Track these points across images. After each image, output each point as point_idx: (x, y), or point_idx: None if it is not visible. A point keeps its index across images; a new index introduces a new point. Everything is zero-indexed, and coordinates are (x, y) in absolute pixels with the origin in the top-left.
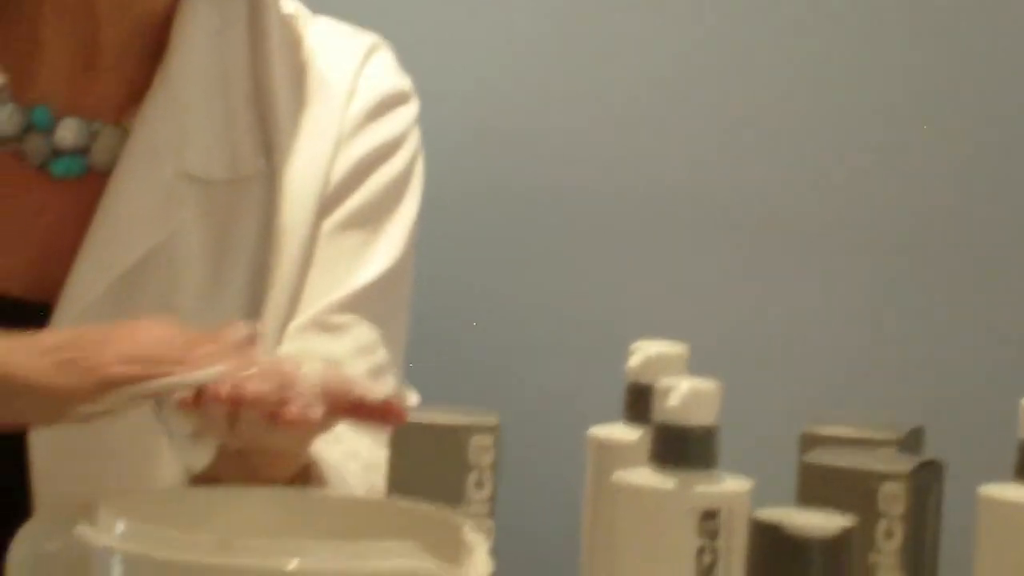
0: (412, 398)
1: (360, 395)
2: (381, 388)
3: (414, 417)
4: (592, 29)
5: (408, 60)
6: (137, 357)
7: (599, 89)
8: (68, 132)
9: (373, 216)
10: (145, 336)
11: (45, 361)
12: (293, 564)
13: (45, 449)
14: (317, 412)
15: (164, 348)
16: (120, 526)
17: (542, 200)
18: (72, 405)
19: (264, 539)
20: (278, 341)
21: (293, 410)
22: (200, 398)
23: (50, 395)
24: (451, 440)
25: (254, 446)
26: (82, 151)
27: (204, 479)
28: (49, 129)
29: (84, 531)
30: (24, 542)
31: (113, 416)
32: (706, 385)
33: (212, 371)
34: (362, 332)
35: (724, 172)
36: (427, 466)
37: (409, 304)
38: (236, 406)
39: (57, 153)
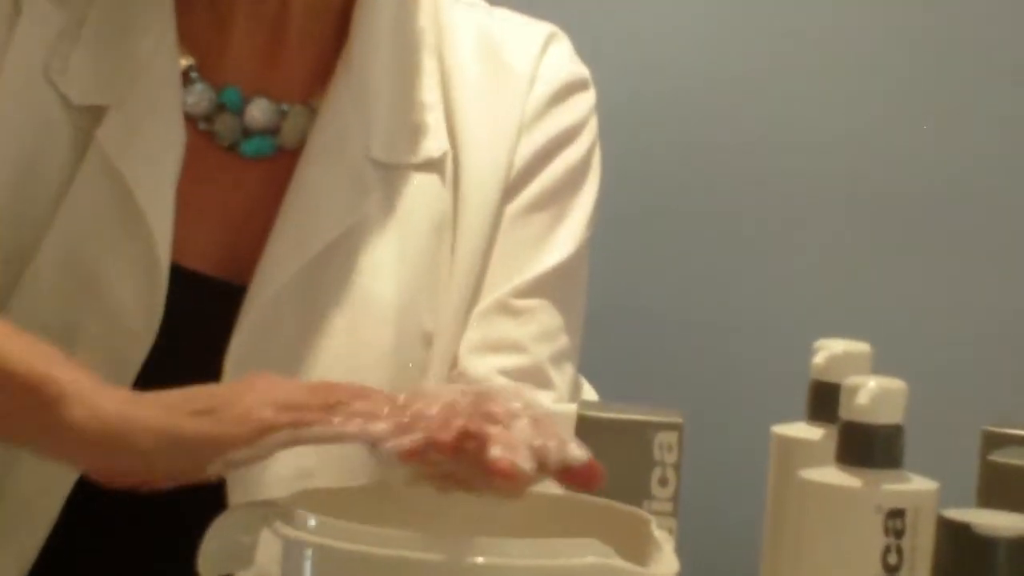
0: (587, 389)
1: (562, 458)
2: (581, 451)
3: (600, 413)
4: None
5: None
6: (285, 404)
7: (781, 88)
8: (258, 112)
9: (555, 201)
10: (286, 385)
11: (185, 414)
12: (482, 560)
13: None
14: (528, 466)
15: (307, 395)
16: (312, 520)
17: (725, 199)
18: (225, 451)
19: (452, 534)
20: (461, 326)
21: (504, 463)
22: (421, 449)
23: (205, 444)
24: (636, 437)
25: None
26: (272, 131)
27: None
28: (239, 109)
29: (277, 525)
30: (217, 534)
31: (261, 461)
32: (894, 384)
33: (379, 428)
34: (546, 317)
35: (909, 175)
36: (611, 463)
37: (585, 291)
38: (455, 455)
39: (247, 133)
